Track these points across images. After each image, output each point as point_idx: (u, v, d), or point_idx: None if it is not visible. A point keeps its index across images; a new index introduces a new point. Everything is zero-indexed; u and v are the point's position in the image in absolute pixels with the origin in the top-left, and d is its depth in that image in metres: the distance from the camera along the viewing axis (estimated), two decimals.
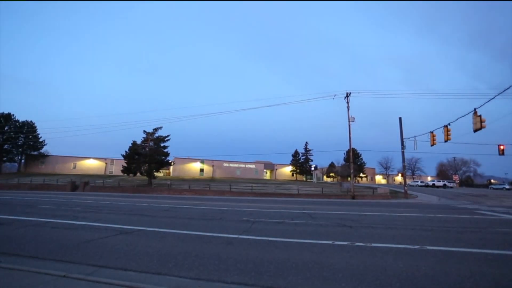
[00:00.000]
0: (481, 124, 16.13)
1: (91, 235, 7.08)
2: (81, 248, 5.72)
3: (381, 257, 5.30)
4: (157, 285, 3.80)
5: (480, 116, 16.26)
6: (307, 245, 6.26)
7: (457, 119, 20.67)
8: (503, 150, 24.04)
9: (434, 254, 5.53)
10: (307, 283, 3.91)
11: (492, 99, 16.59)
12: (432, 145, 25.00)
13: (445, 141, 21.79)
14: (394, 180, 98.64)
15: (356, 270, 4.47)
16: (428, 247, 6.07)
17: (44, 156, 63.33)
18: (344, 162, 79.35)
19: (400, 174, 51.98)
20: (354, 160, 33.91)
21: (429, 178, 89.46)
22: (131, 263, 4.75)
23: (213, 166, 67.96)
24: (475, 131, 16.52)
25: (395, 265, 4.77)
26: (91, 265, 4.64)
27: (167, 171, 68.41)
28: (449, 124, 21.67)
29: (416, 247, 6.13)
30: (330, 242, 6.57)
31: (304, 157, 77.56)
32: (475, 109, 16.67)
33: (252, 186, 37.17)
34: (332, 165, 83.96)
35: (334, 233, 7.82)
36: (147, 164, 39.65)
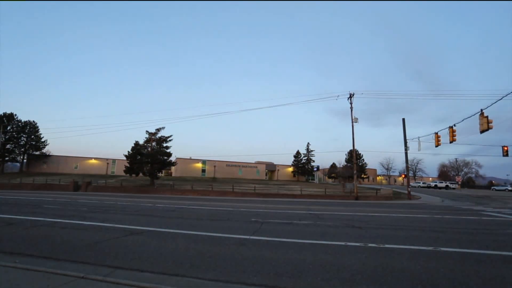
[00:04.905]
0: (488, 125, 16.06)
1: (102, 235, 7.05)
2: (94, 249, 5.69)
3: (397, 258, 5.25)
4: (177, 287, 3.77)
5: (487, 117, 16.18)
6: (320, 246, 6.22)
7: (462, 120, 20.64)
8: (507, 151, 23.92)
9: (450, 256, 5.49)
10: (328, 285, 3.87)
11: (499, 99, 16.53)
12: (436, 146, 24.94)
13: (451, 142, 21.72)
14: (395, 181, 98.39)
15: (374, 272, 4.43)
16: (442, 249, 6.03)
17: (46, 156, 63.30)
18: (345, 163, 79.23)
19: (402, 176, 51.82)
20: (355, 161, 33.83)
21: (430, 179, 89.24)
22: (146, 264, 4.71)
23: (215, 166, 67.87)
24: (481, 132, 16.44)
25: (413, 266, 4.73)
26: (106, 266, 4.61)
27: (169, 171, 68.43)
28: (454, 125, 21.61)
29: (430, 248, 6.09)
30: (343, 243, 6.53)
31: (305, 157, 77.38)
32: (481, 110, 16.62)
33: (254, 187, 37.09)
34: (333, 166, 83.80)
35: (345, 234, 7.77)
36: (149, 165, 39.58)
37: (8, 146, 56.88)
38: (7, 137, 55.56)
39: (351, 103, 30.88)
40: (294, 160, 77.39)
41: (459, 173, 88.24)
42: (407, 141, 31.05)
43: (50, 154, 64.07)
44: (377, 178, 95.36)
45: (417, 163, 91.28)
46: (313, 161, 76.60)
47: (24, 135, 59.22)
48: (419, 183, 65.62)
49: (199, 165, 68.06)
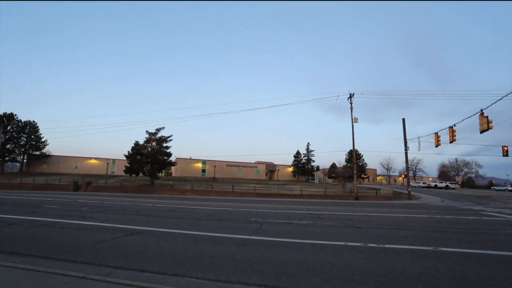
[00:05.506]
0: (488, 125, 16.07)
1: (102, 235, 7.05)
2: (94, 249, 5.69)
3: (397, 258, 5.25)
4: (177, 287, 3.77)
5: (487, 117, 16.19)
6: (320, 246, 6.22)
7: (463, 120, 20.64)
8: (507, 151, 23.90)
9: (450, 256, 5.48)
10: (328, 285, 3.87)
11: (499, 99, 16.53)
12: (436, 146, 24.96)
13: (450, 142, 21.73)
14: (395, 181, 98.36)
15: (374, 272, 4.42)
16: (443, 249, 6.03)
17: (46, 156, 63.26)
18: (345, 163, 79.21)
19: (402, 176, 51.90)
20: (355, 161, 33.82)
21: (430, 179, 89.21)
22: (146, 264, 4.71)
23: (215, 166, 67.85)
24: (481, 132, 16.45)
25: (413, 266, 4.73)
26: (106, 266, 4.61)
27: (169, 171, 68.41)
28: (454, 125, 21.61)
29: (430, 248, 6.09)
30: (343, 243, 6.53)
31: (305, 157, 77.36)
32: (481, 110, 16.63)
33: (254, 187, 37.09)
34: (333, 166, 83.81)
35: (345, 234, 7.77)
36: (149, 165, 39.59)
37: (8, 146, 56.85)
38: (7, 137, 55.53)
39: (351, 103, 30.89)
40: (294, 160, 77.35)
41: (459, 173, 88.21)
42: (407, 141, 31.07)
43: (50, 154, 64.02)
44: (377, 178, 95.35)
45: (417, 163, 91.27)
46: (313, 161, 76.57)
47: (24, 135, 59.19)
48: (419, 183, 65.60)
49: (199, 165, 68.03)
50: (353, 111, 30.85)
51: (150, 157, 39.32)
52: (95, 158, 66.90)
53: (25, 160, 62.59)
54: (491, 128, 16.10)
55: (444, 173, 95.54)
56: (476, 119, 17.44)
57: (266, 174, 75.94)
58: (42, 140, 61.09)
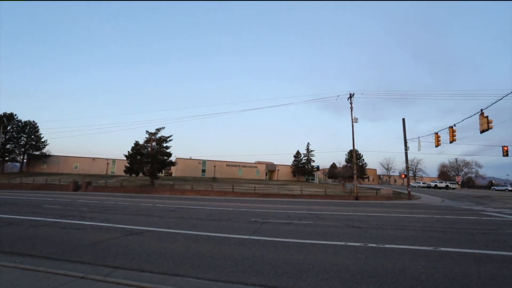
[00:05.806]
0: (488, 125, 16.07)
1: (102, 235, 7.05)
2: (94, 249, 5.69)
3: (397, 258, 5.25)
4: (177, 287, 3.77)
5: (487, 117, 16.20)
6: (320, 246, 6.23)
7: (463, 120, 20.67)
8: (507, 151, 23.89)
9: (450, 256, 5.49)
10: (328, 285, 3.87)
11: (499, 99, 16.53)
12: (436, 146, 24.97)
13: (450, 142, 21.74)
14: (395, 181, 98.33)
15: (374, 272, 4.43)
16: (443, 249, 6.03)
17: (46, 156, 63.27)
18: (345, 163, 79.24)
19: (402, 176, 51.85)
20: (355, 161, 33.82)
21: (430, 179, 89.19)
22: (146, 264, 4.72)
23: (215, 166, 67.85)
24: (481, 132, 16.46)
25: (413, 266, 4.73)
26: (106, 266, 4.62)
27: (169, 171, 68.44)
28: (454, 125, 21.63)
29: (430, 248, 6.09)
30: (343, 243, 6.53)
31: (305, 157, 77.36)
32: (481, 110, 16.64)
33: (254, 187, 37.10)
34: (333, 166, 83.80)
35: (345, 234, 7.78)
36: (149, 165, 39.61)
37: (8, 146, 56.87)
38: (7, 137, 55.55)
39: (351, 103, 30.89)
40: (294, 160, 77.36)
41: (459, 173, 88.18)
42: (407, 141, 31.08)
43: (50, 154, 64.02)
44: (377, 178, 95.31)
45: (417, 163, 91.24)
46: (313, 161, 76.60)
47: (24, 135, 59.22)
48: (419, 183, 65.58)
49: (199, 165, 68.04)
50: (353, 111, 30.87)
51: (150, 157, 39.34)
52: (95, 158, 66.92)
53: (25, 160, 62.60)
54: (491, 128, 16.10)
55: (444, 173, 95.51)
56: (476, 118, 17.49)
57: (266, 174, 75.95)
58: (42, 140, 61.15)
